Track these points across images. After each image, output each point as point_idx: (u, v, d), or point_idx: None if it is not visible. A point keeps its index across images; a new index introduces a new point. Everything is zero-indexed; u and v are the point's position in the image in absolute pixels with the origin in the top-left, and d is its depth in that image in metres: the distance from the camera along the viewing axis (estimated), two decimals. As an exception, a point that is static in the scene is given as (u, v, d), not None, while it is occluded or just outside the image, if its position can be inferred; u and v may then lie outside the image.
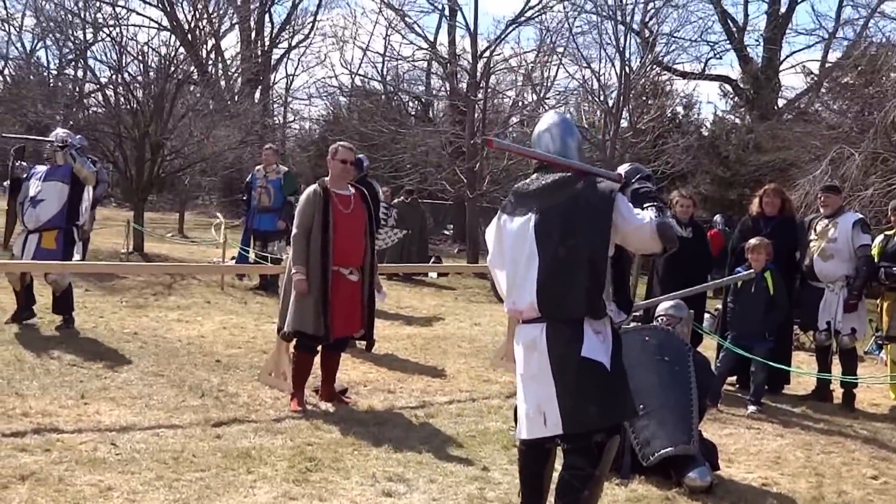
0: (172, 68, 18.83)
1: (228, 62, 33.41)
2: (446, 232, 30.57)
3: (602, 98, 19.35)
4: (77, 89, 29.03)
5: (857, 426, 7.53)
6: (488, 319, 12.38)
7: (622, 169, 4.41)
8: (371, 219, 7.16)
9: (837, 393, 8.40)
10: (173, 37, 24.49)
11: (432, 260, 19.56)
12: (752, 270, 7.70)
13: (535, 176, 4.42)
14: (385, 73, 29.69)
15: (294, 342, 7.02)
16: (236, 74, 32.76)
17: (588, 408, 4.09)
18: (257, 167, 13.61)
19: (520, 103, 22.66)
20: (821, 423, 7.55)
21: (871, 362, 9.35)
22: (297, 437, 6.05)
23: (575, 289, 4.06)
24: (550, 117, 4.59)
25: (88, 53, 24.59)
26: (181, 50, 21.52)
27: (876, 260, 8.28)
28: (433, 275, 16.99)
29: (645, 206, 4.15)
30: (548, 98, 21.83)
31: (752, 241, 8.03)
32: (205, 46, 29.11)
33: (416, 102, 31.28)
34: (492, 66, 20.78)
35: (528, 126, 22.48)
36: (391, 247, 15.79)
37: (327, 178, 7.02)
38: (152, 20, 32.38)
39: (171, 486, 4.95)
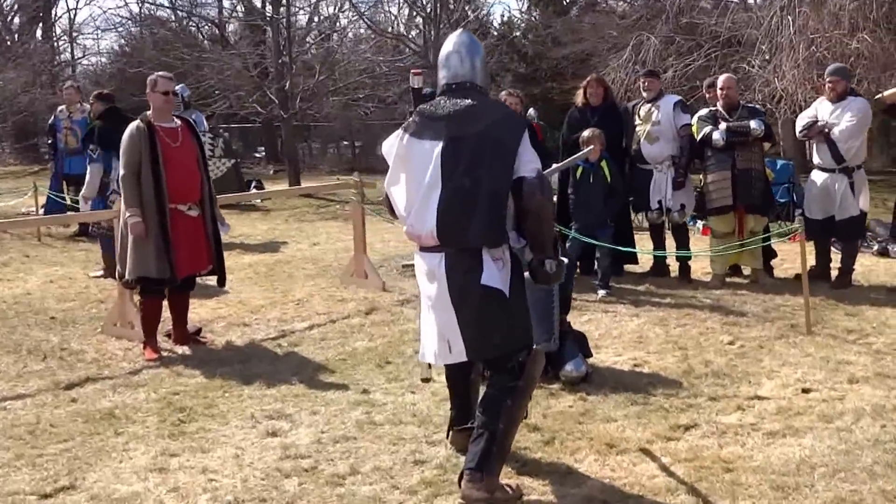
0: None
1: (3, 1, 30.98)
2: (257, 155, 29.88)
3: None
4: None
5: (701, 296, 7.93)
6: (325, 237, 12.24)
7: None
8: (202, 150, 6.82)
9: (673, 267, 8.83)
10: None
11: (253, 185, 19.05)
12: (587, 151, 7.58)
13: (441, 99, 4.22)
14: (174, -3, 28.25)
15: (139, 288, 6.65)
16: (13, 14, 30.42)
17: (491, 335, 4.08)
18: (60, 108, 12.81)
19: (315, 19, 22.18)
20: (667, 298, 7.90)
21: (695, 233, 9.82)
22: (161, 388, 5.74)
23: (476, 218, 3.99)
24: (457, 37, 4.37)
25: None
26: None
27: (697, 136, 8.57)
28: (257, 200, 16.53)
29: None
30: (343, 10, 21.54)
31: (585, 132, 8.13)
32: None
33: (211, 26, 29.98)
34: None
35: (329, 41, 22.11)
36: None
37: (149, 113, 6.58)
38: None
39: (35, 464, 4.54)
